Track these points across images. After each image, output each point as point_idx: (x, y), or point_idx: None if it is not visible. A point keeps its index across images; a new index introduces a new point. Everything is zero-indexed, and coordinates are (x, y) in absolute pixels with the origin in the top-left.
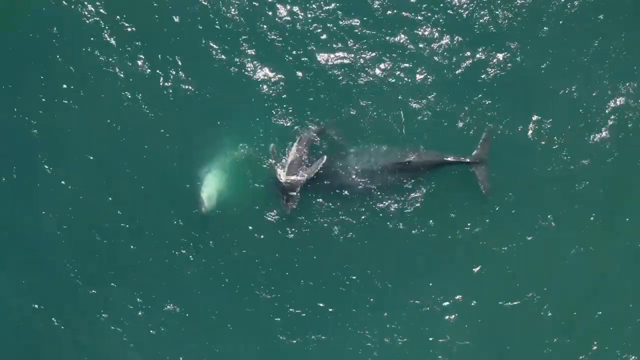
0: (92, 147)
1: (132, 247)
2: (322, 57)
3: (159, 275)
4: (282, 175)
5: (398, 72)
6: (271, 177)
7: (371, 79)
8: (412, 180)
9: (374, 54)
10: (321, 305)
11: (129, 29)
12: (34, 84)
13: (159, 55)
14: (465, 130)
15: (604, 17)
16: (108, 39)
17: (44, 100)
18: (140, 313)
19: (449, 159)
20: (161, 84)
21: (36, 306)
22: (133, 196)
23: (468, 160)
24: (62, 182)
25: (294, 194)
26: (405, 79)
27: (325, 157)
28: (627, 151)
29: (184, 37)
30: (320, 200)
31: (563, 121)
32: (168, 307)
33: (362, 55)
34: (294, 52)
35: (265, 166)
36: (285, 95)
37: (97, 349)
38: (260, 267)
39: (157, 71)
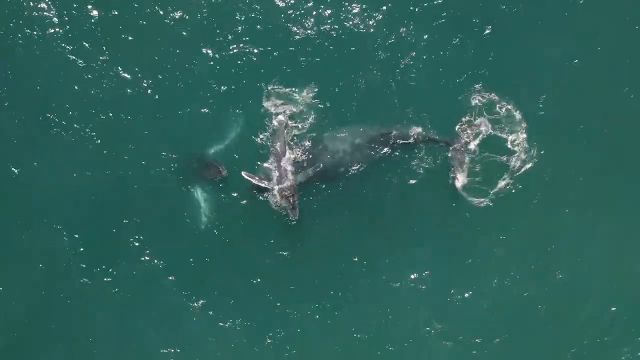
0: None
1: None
2: (317, 32)
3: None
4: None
5: (389, 50)
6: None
7: (362, 55)
8: (391, 154)
9: (365, 30)
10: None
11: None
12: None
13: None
14: (453, 113)
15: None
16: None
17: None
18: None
19: (429, 136)
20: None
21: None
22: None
23: (447, 142)
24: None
25: (294, 197)
26: (396, 56)
27: (320, 165)
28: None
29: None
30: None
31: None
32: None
33: (354, 31)
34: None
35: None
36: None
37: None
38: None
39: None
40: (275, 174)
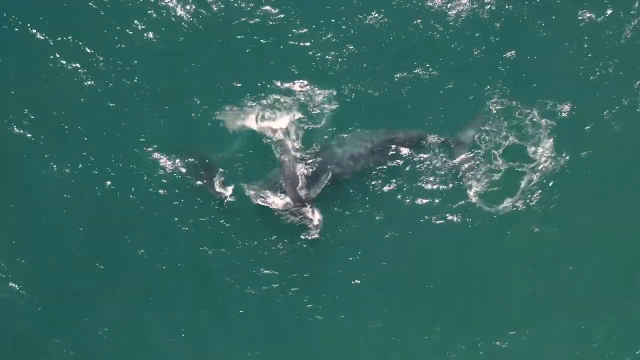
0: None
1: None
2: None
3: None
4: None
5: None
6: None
7: (373, 57)
8: (401, 159)
9: (376, 30)
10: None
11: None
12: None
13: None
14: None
15: None
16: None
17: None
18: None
19: (429, 137)
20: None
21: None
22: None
23: (445, 140)
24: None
25: (310, 210)
26: (409, 58)
27: (330, 172)
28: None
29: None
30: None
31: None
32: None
33: (365, 31)
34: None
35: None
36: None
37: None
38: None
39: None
40: (288, 196)
